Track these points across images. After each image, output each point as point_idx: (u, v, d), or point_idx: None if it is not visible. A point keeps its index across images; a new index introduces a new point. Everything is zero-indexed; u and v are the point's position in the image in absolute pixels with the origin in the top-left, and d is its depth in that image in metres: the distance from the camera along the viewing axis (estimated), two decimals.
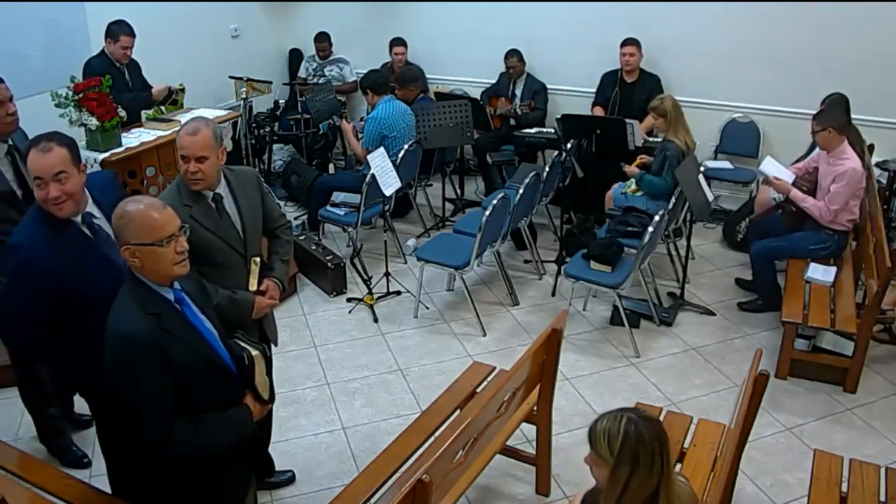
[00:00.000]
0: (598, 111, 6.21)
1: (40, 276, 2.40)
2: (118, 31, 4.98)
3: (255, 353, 2.28)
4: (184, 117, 5.24)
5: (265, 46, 7.64)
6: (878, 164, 5.29)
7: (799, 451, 3.58)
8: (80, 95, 4.33)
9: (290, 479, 3.42)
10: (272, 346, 3.13)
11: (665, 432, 1.89)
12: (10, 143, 3.12)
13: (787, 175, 4.71)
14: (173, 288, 2.14)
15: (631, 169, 5.16)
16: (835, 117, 4.38)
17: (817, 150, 4.64)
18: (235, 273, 2.83)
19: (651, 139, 5.55)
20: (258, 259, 2.93)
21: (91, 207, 2.54)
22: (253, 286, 2.89)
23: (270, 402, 2.40)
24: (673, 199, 4.68)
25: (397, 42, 6.93)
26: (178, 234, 2.10)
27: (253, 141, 6.75)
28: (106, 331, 2.07)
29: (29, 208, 2.59)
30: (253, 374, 2.27)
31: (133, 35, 5.03)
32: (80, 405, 3.68)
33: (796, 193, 4.57)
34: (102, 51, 5.04)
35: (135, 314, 2.03)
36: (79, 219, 2.50)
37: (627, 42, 5.96)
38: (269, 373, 2.37)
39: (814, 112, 4.63)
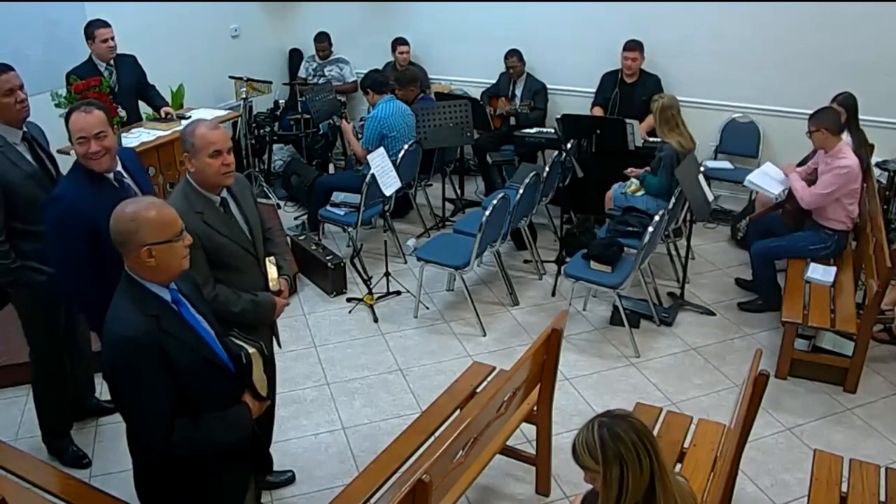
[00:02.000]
0: (598, 111, 6.20)
1: (81, 220, 2.75)
2: (92, 28, 4.87)
3: (252, 350, 2.28)
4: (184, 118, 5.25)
5: (265, 46, 7.65)
6: (878, 164, 5.29)
7: (799, 451, 3.58)
8: (80, 95, 4.32)
9: (290, 479, 3.42)
10: (279, 346, 3.15)
11: (642, 424, 1.88)
12: (25, 129, 3.16)
13: (777, 180, 4.74)
14: (170, 288, 2.14)
15: (633, 170, 5.17)
16: (829, 118, 4.38)
17: (820, 151, 4.65)
18: (250, 275, 2.83)
19: (651, 139, 5.55)
20: (273, 258, 2.94)
21: (120, 169, 2.97)
22: (274, 285, 2.90)
23: (268, 400, 2.40)
24: (673, 199, 4.68)
25: (401, 41, 6.94)
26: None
27: (253, 141, 6.75)
28: (104, 333, 2.07)
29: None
30: (251, 371, 2.27)
31: (108, 25, 4.91)
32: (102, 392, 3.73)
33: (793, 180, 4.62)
34: (90, 57, 4.92)
35: (133, 316, 2.02)
36: (111, 176, 2.93)
37: (631, 47, 5.94)
38: (269, 371, 2.37)
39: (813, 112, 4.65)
